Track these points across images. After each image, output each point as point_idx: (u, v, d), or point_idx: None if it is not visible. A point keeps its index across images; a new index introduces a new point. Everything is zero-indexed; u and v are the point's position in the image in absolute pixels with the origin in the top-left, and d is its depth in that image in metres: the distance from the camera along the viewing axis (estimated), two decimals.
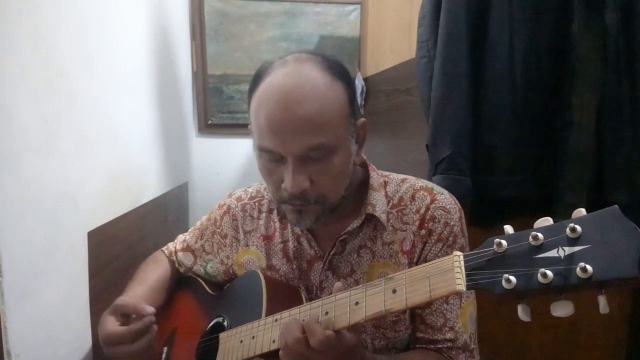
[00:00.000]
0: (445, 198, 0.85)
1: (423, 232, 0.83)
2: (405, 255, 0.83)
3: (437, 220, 0.82)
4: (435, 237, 0.82)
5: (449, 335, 0.81)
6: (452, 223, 0.83)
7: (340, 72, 0.77)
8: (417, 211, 0.84)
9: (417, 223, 0.83)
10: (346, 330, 0.65)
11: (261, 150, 0.75)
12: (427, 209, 0.83)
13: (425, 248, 0.83)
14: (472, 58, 1.14)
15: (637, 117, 1.11)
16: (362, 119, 0.83)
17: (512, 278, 0.51)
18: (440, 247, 0.82)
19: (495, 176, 1.16)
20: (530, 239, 0.51)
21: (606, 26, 1.09)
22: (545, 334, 1.35)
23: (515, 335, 1.33)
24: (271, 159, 0.75)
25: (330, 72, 0.75)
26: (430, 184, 0.88)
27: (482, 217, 1.18)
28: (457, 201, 0.86)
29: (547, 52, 1.13)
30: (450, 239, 0.82)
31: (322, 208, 0.78)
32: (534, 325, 1.34)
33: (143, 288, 0.96)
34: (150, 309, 0.82)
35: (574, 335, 1.35)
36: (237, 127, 2.48)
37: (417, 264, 0.82)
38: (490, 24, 1.14)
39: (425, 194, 0.85)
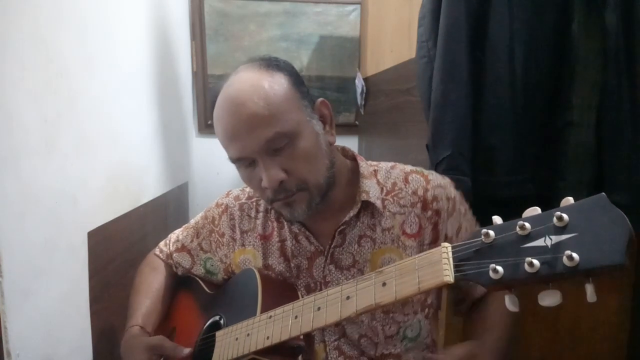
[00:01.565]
0: (436, 176, 0.89)
1: (429, 213, 0.85)
2: (411, 238, 0.84)
3: (439, 198, 0.85)
4: (446, 214, 0.85)
5: None
6: (452, 195, 0.87)
7: (277, 65, 0.80)
8: (415, 193, 0.86)
9: (418, 205, 0.85)
10: (456, 347, 0.72)
11: (232, 162, 0.80)
12: (426, 190, 0.86)
13: (440, 227, 0.85)
14: (472, 58, 1.14)
15: (637, 117, 1.11)
16: (320, 99, 0.84)
17: (499, 268, 0.51)
18: (454, 220, 0.86)
19: (495, 176, 1.16)
20: (518, 228, 0.51)
21: (606, 26, 1.09)
22: (545, 334, 1.35)
23: (515, 335, 1.33)
24: (244, 165, 0.79)
25: (266, 68, 0.79)
26: (419, 168, 0.91)
27: (482, 217, 1.18)
28: (444, 175, 0.91)
29: (547, 52, 1.13)
30: (458, 208, 0.87)
31: (309, 194, 0.79)
32: (535, 326, 1.34)
33: (151, 301, 0.97)
34: (187, 351, 0.85)
35: (574, 336, 1.35)
36: None
37: (433, 243, 0.85)
38: (490, 24, 1.13)
39: (418, 176, 0.88)
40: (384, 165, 0.91)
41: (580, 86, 1.10)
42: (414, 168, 0.90)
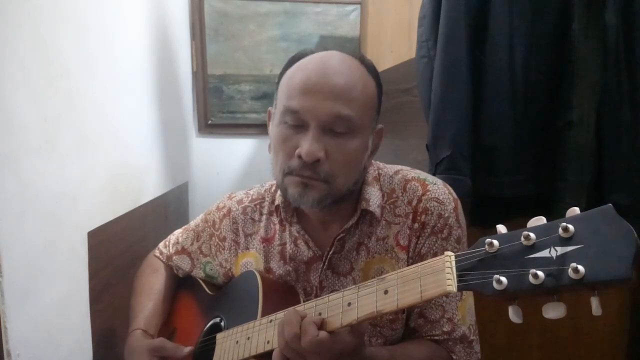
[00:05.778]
0: (439, 188, 0.83)
1: (416, 225, 0.81)
2: (403, 250, 0.82)
3: (430, 212, 0.81)
4: (429, 230, 0.81)
5: (446, 328, 0.80)
6: (446, 215, 0.81)
7: (374, 73, 0.81)
8: (409, 203, 0.82)
9: (410, 216, 0.82)
10: (346, 332, 0.64)
11: (286, 112, 0.75)
12: (419, 200, 0.81)
13: (419, 242, 0.81)
14: (472, 58, 1.14)
15: (637, 117, 1.11)
16: (380, 126, 0.83)
17: (503, 279, 0.50)
18: (435, 240, 0.81)
19: (495, 176, 1.16)
20: (522, 238, 0.50)
21: (606, 26, 1.09)
22: (545, 334, 1.35)
23: (515, 335, 1.33)
24: (293, 123, 0.74)
25: (366, 67, 0.80)
26: (423, 175, 0.86)
27: (482, 217, 1.18)
28: (451, 190, 0.84)
29: (547, 52, 1.13)
30: (445, 231, 0.81)
31: (328, 189, 0.75)
32: (535, 326, 1.34)
33: (153, 303, 0.98)
34: (188, 349, 0.87)
35: (574, 336, 1.35)
36: (237, 127, 2.47)
37: (412, 258, 0.82)
38: (490, 24, 1.13)
39: (417, 184, 0.83)
40: (389, 169, 0.88)
41: (580, 86, 1.10)
42: (416, 175, 0.85)
